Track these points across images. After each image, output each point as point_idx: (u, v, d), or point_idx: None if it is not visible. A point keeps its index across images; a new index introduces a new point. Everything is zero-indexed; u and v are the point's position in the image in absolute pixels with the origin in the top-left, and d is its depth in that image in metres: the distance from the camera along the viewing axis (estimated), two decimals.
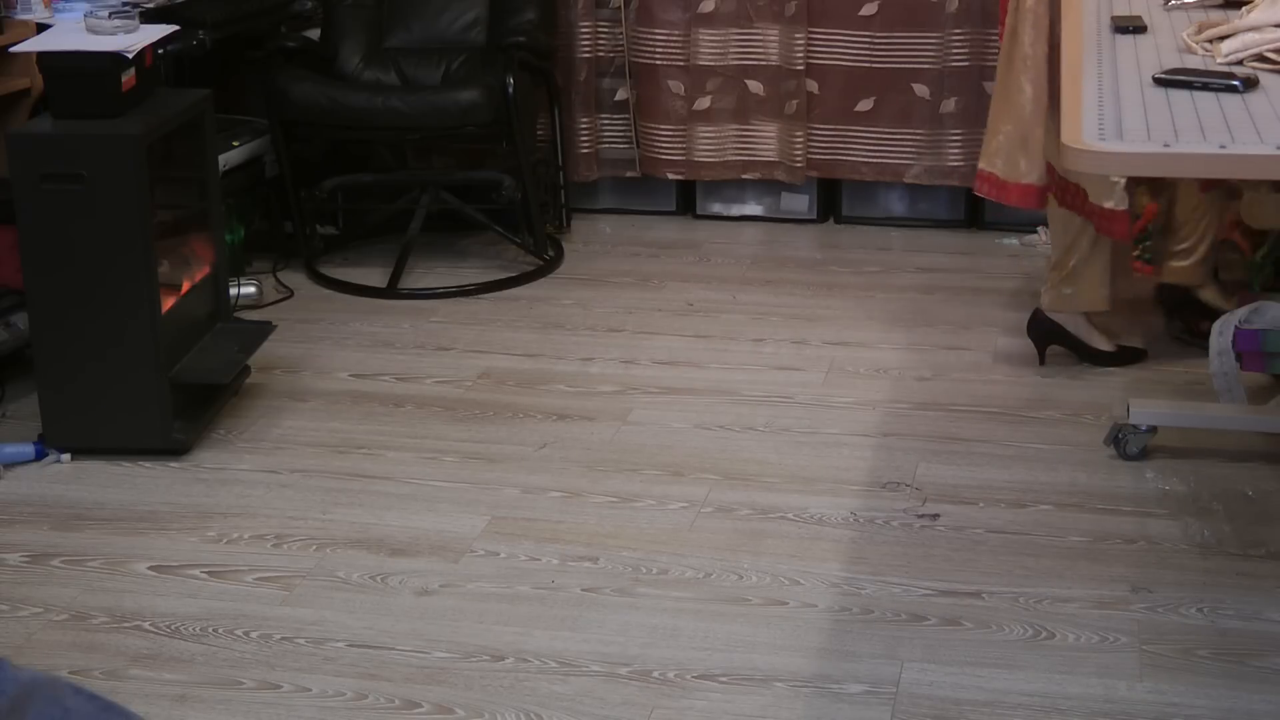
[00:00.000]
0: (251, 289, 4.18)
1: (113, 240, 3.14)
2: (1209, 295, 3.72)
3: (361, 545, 2.92)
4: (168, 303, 3.28)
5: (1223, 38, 2.45)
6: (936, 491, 3.09)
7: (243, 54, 4.47)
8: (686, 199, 4.98)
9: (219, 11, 4.14)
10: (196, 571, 2.83)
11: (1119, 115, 2.09)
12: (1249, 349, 3.18)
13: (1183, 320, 3.77)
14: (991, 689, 2.44)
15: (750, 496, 3.08)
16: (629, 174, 4.91)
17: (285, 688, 2.47)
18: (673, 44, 4.74)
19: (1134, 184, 3.58)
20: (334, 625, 2.65)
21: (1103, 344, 3.65)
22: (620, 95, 4.84)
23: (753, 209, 4.93)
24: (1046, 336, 3.66)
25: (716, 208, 4.95)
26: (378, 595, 2.74)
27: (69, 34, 3.30)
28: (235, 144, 4.28)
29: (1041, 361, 3.67)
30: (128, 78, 3.18)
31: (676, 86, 4.77)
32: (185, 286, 3.45)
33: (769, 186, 4.87)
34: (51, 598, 2.75)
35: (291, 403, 3.57)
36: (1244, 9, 2.54)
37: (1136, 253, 4.33)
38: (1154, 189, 3.64)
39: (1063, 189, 3.51)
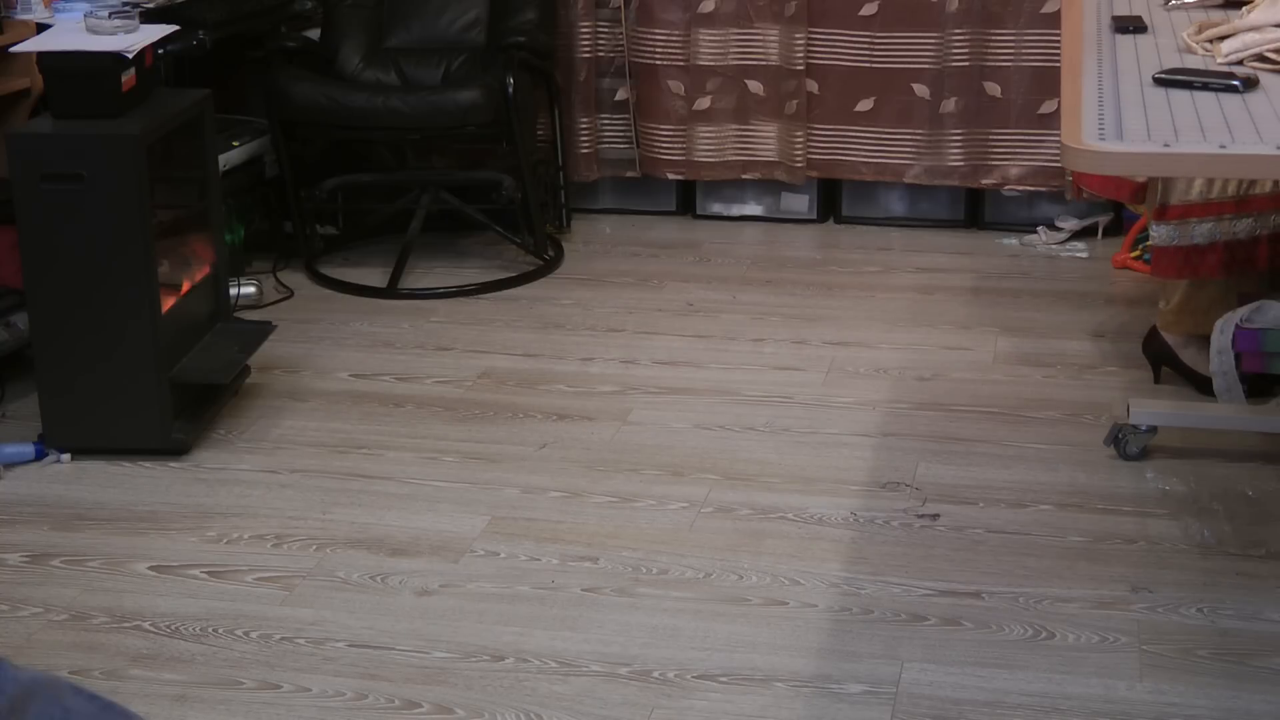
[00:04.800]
0: (251, 289, 4.19)
1: (113, 240, 3.14)
2: (1189, 357, 3.51)
3: (361, 545, 2.92)
4: (168, 303, 3.28)
5: (1223, 38, 2.46)
6: (936, 491, 3.09)
7: (243, 54, 4.47)
8: (686, 199, 4.98)
9: (219, 11, 4.14)
10: (196, 571, 2.83)
11: (1119, 115, 2.09)
12: (1248, 348, 3.18)
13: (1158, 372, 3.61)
14: (991, 689, 2.44)
15: (750, 496, 3.08)
16: (629, 174, 4.91)
17: (285, 688, 2.47)
18: (673, 44, 4.74)
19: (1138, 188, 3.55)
20: (334, 625, 2.65)
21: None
22: (620, 95, 4.84)
23: (753, 209, 4.93)
24: (1159, 357, 3.55)
25: (716, 208, 4.95)
26: (378, 595, 2.74)
27: (69, 34, 3.30)
28: (235, 144, 4.28)
29: (1156, 380, 3.55)
30: (128, 78, 3.18)
31: (676, 86, 4.77)
32: (185, 286, 3.45)
33: (769, 186, 4.87)
34: (51, 598, 2.75)
35: (291, 403, 3.57)
36: (1244, 9, 2.54)
37: (1136, 253, 4.34)
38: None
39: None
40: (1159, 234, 3.41)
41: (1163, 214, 3.40)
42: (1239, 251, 3.34)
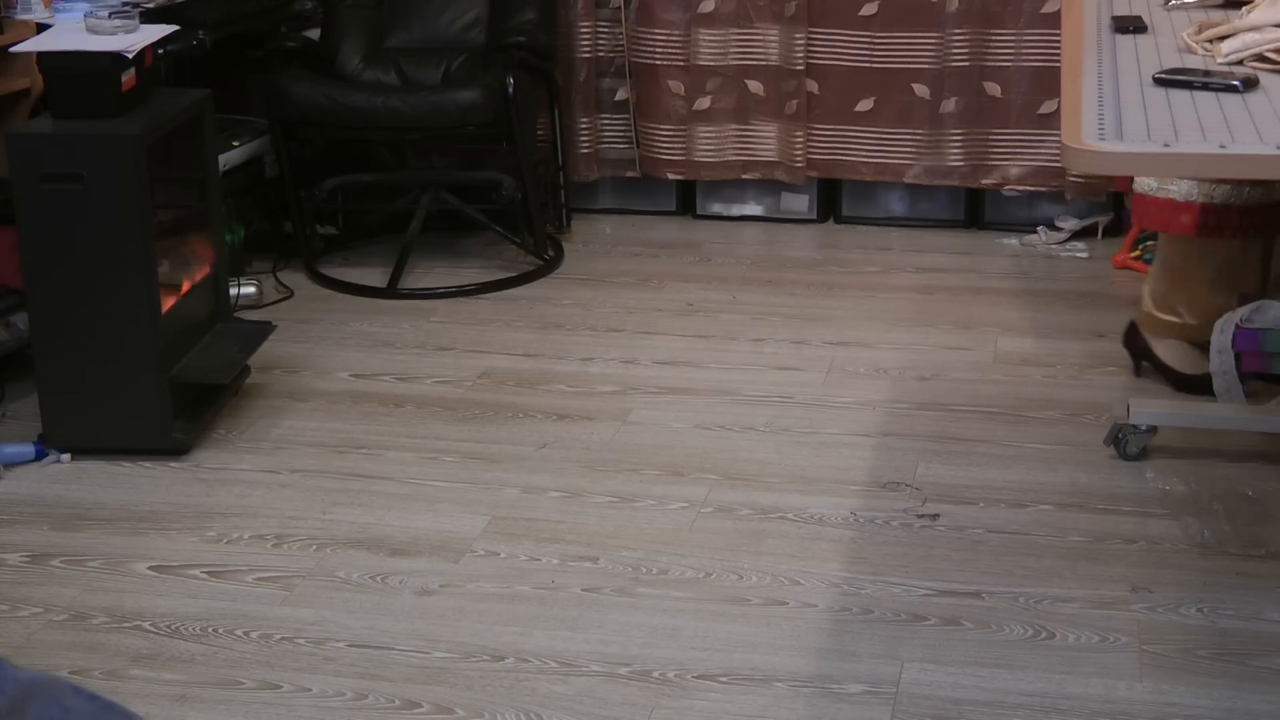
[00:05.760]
0: (251, 289, 4.19)
1: (113, 240, 3.14)
2: (1162, 351, 3.56)
3: (361, 545, 2.92)
4: (168, 303, 3.28)
5: (1223, 38, 2.45)
6: (936, 491, 3.09)
7: (243, 54, 4.47)
8: (686, 199, 4.98)
9: (219, 11, 4.14)
10: (196, 571, 2.83)
11: (1119, 115, 2.09)
12: (1248, 348, 3.18)
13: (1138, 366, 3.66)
14: (991, 689, 2.44)
15: (750, 496, 3.08)
16: (629, 174, 4.91)
17: (285, 688, 2.47)
18: (673, 44, 4.74)
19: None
20: (334, 625, 2.65)
21: (1190, 367, 3.49)
22: (620, 95, 4.84)
23: (753, 209, 4.93)
24: (1140, 352, 3.60)
25: (716, 208, 4.95)
26: (378, 595, 2.74)
27: (69, 34, 3.30)
28: (235, 144, 4.28)
29: (1137, 374, 3.60)
30: (128, 78, 3.18)
31: (676, 86, 4.77)
32: (185, 286, 3.45)
33: (769, 186, 4.87)
34: (51, 598, 2.75)
35: (291, 403, 3.57)
36: (1244, 9, 2.54)
37: (1136, 253, 4.34)
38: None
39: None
40: (1144, 181, 3.49)
41: None
42: (1211, 215, 3.39)
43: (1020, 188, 4.65)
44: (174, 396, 3.26)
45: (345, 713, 2.41)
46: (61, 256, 3.15)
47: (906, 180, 4.73)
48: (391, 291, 4.30)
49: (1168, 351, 3.54)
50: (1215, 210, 3.40)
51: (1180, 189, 3.44)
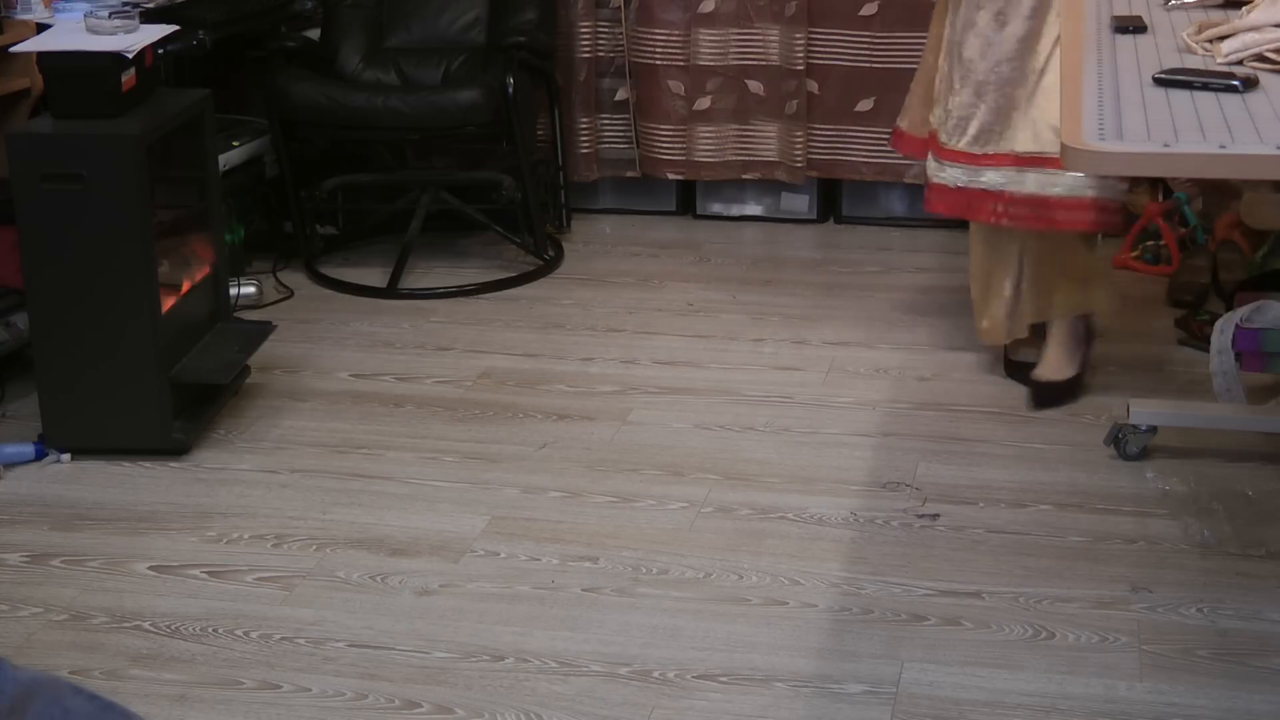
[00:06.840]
0: (251, 289, 4.19)
1: (113, 240, 3.14)
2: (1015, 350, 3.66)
3: (361, 545, 2.92)
4: (168, 303, 3.28)
5: (1223, 38, 2.45)
6: (936, 491, 3.09)
7: (243, 54, 4.47)
8: (686, 199, 4.98)
9: (219, 11, 4.14)
10: (196, 571, 2.84)
11: (1119, 115, 2.09)
12: (1248, 348, 3.19)
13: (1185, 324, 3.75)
14: (991, 689, 2.44)
15: (750, 496, 3.08)
16: (629, 174, 4.91)
17: (285, 688, 2.47)
18: (673, 44, 4.74)
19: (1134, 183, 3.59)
20: (334, 625, 2.65)
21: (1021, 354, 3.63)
22: (620, 95, 4.84)
23: (753, 209, 4.93)
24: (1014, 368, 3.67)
25: (716, 208, 4.95)
26: (378, 595, 2.75)
27: (69, 34, 3.30)
28: (235, 144, 4.28)
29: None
30: (128, 78, 3.18)
31: (676, 86, 4.77)
32: (185, 286, 3.45)
33: (769, 186, 4.87)
34: (51, 598, 2.75)
35: (291, 403, 3.57)
36: (1244, 9, 2.54)
37: (1136, 253, 4.34)
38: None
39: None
40: (952, 173, 3.43)
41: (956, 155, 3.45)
42: (975, 199, 3.39)
43: None
44: (174, 396, 3.26)
45: (345, 713, 2.41)
46: (61, 256, 3.15)
47: (906, 180, 4.73)
48: (391, 291, 4.30)
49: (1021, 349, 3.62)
50: (975, 194, 3.38)
51: (949, 173, 3.41)
